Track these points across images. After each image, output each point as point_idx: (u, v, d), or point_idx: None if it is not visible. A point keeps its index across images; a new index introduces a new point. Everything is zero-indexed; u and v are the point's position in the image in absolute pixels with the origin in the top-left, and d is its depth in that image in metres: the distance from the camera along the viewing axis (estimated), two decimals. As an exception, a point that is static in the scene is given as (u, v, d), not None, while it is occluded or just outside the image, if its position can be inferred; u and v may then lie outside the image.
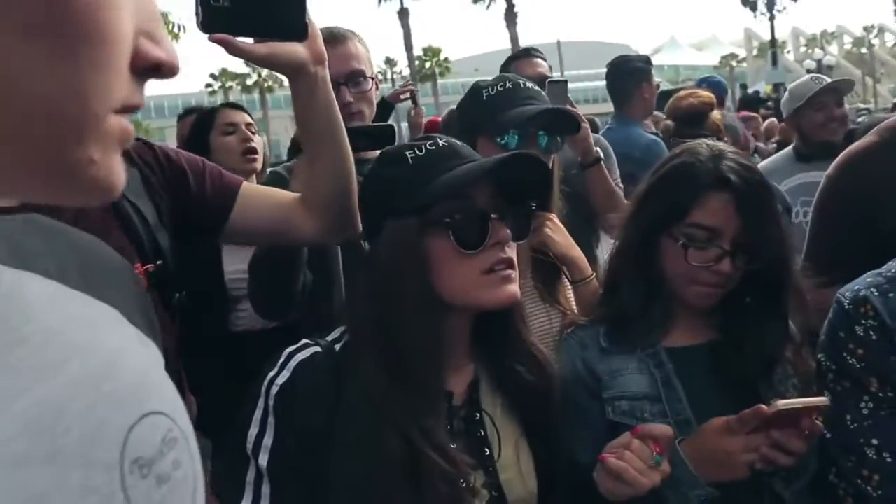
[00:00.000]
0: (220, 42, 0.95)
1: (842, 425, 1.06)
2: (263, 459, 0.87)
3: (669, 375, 1.10)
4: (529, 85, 1.42)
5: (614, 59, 3.09)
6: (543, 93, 1.45)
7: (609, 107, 3.13)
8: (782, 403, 0.95)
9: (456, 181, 0.92)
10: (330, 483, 0.86)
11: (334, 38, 1.63)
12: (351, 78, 1.63)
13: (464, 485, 0.89)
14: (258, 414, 0.89)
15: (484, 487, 0.93)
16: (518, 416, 1.01)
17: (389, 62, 44.29)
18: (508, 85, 1.40)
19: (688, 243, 1.09)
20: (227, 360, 1.89)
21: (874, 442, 1.03)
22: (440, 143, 0.97)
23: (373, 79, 1.69)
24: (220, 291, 2.04)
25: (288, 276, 1.45)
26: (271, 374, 0.91)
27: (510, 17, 32.73)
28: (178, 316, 1.18)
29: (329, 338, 0.97)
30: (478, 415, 0.97)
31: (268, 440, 0.88)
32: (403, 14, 36.13)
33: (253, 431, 0.89)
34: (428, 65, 41.33)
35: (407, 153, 0.96)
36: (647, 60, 3.08)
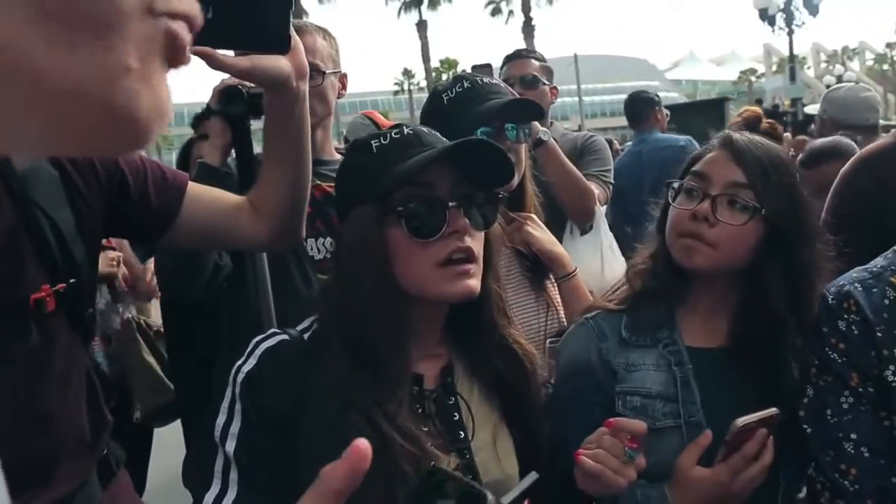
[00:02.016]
0: (200, 55, 0.93)
1: (822, 420, 1.05)
2: (230, 446, 0.88)
3: (688, 376, 1.08)
4: (487, 80, 1.42)
5: (631, 94, 4.02)
6: (503, 84, 1.45)
7: (622, 121, 3.34)
8: (741, 421, 0.97)
9: (409, 168, 0.91)
10: (298, 468, 0.85)
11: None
12: None
13: (433, 465, 0.89)
14: (226, 402, 0.90)
15: (458, 470, 0.93)
16: (496, 402, 1.00)
17: (407, 73, 44.61)
18: (466, 84, 1.40)
19: (679, 191, 1.12)
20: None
21: (853, 436, 1.02)
22: (405, 131, 0.98)
23: (330, 74, 1.65)
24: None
25: (196, 257, 1.48)
26: (239, 363, 0.92)
27: (528, 30, 32.87)
28: (89, 332, 1.09)
29: (300, 327, 0.98)
30: (452, 399, 0.97)
31: (234, 427, 0.88)
32: (422, 26, 36.46)
33: (220, 420, 0.90)
34: (445, 76, 41.53)
35: (372, 142, 0.97)
36: (656, 96, 4.03)
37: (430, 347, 0.99)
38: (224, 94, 1.53)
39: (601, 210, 1.99)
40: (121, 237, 1.92)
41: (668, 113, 4.06)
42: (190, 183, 1.13)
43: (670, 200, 1.13)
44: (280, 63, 1.01)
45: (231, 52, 0.99)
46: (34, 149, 0.29)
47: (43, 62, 0.25)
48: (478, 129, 1.34)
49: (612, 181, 2.24)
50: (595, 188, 2.05)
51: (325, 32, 1.70)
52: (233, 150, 1.62)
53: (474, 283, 0.92)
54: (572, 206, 1.93)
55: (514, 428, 1.00)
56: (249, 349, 0.93)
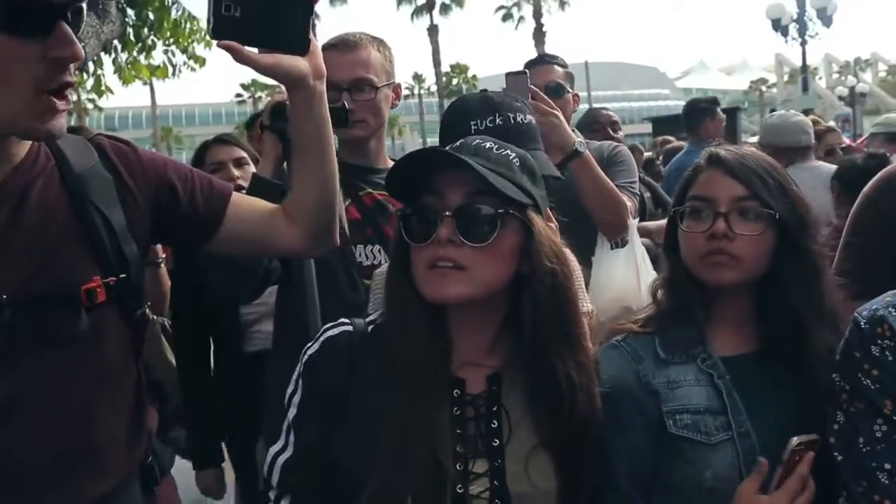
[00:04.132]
0: (227, 48, 1.03)
1: (854, 448, 1.03)
2: (292, 413, 1.03)
3: (729, 386, 1.10)
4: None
5: (690, 100, 4.60)
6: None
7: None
8: (796, 440, 0.98)
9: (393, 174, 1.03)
10: (341, 439, 0.98)
11: (345, 44, 1.66)
12: (355, 85, 1.63)
13: (459, 466, 0.95)
14: (294, 376, 1.04)
15: (486, 475, 0.96)
16: (543, 419, 1.00)
17: (418, 78, 44.70)
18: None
19: (684, 215, 1.15)
20: (243, 378, 2.03)
21: (887, 466, 0.99)
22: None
23: (383, 87, 1.66)
24: (233, 315, 2.15)
25: (250, 262, 1.53)
26: (308, 345, 1.06)
27: (538, 36, 32.90)
28: (140, 334, 1.15)
29: (370, 318, 1.07)
30: (495, 407, 1.00)
31: (296, 398, 1.03)
32: (433, 30, 36.52)
33: (289, 390, 1.04)
34: (455, 81, 41.61)
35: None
36: (713, 101, 4.44)
37: (477, 355, 1.01)
38: (274, 110, 1.59)
39: (633, 222, 1.96)
40: (169, 243, 1.96)
41: (723, 119, 4.45)
42: (234, 193, 1.20)
43: (680, 225, 1.16)
44: (299, 63, 1.10)
45: (255, 50, 1.07)
46: None
47: None
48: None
49: (638, 192, 2.20)
50: (626, 200, 2.00)
51: (379, 44, 1.72)
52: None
53: (455, 289, 0.95)
54: (607, 218, 1.87)
55: (556, 447, 0.99)
56: (318, 335, 1.05)
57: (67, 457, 1.01)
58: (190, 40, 4.89)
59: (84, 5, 0.93)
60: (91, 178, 1.04)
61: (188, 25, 4.76)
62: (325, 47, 1.70)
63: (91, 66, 4.57)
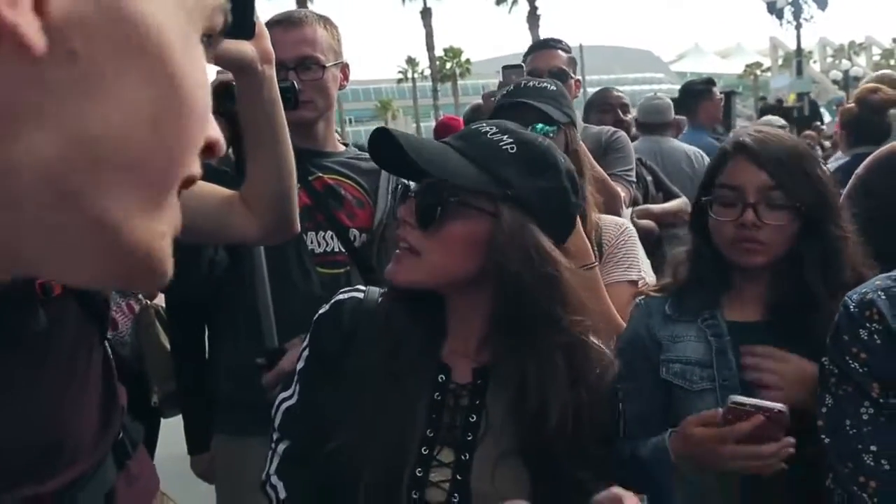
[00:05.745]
0: None
1: (841, 430, 1.04)
2: (300, 365, 1.07)
3: (725, 346, 1.19)
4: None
5: (685, 83, 4.40)
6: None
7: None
8: (734, 398, 1.03)
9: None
10: (331, 398, 1.00)
11: (290, 21, 1.58)
12: (301, 63, 1.55)
13: (425, 451, 0.93)
14: (308, 335, 1.08)
15: (449, 466, 0.93)
16: (523, 429, 0.93)
17: (411, 62, 44.38)
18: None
19: (714, 202, 1.22)
20: None
21: (872, 448, 1.00)
22: None
23: (331, 67, 1.59)
24: None
25: (190, 253, 1.45)
26: (323, 306, 1.09)
27: (532, 19, 32.67)
28: (104, 316, 1.12)
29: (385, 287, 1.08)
30: (477, 401, 0.96)
31: (305, 353, 1.07)
32: (426, 14, 36.25)
33: (303, 345, 1.09)
34: (449, 65, 41.38)
35: None
36: (709, 82, 4.32)
37: (468, 346, 0.98)
38: (218, 91, 1.48)
39: (627, 212, 1.95)
40: None
41: (721, 98, 4.24)
42: None
43: (710, 213, 1.22)
44: (245, 48, 1.06)
45: None
46: (79, 282, 0.37)
47: (128, 225, 0.31)
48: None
49: (635, 179, 2.19)
50: (620, 190, 1.95)
51: (326, 21, 1.64)
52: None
53: (405, 272, 0.95)
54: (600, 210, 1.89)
55: (532, 458, 0.93)
56: (331, 299, 1.09)
57: (38, 451, 0.98)
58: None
59: None
60: None
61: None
62: (269, 24, 1.61)
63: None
